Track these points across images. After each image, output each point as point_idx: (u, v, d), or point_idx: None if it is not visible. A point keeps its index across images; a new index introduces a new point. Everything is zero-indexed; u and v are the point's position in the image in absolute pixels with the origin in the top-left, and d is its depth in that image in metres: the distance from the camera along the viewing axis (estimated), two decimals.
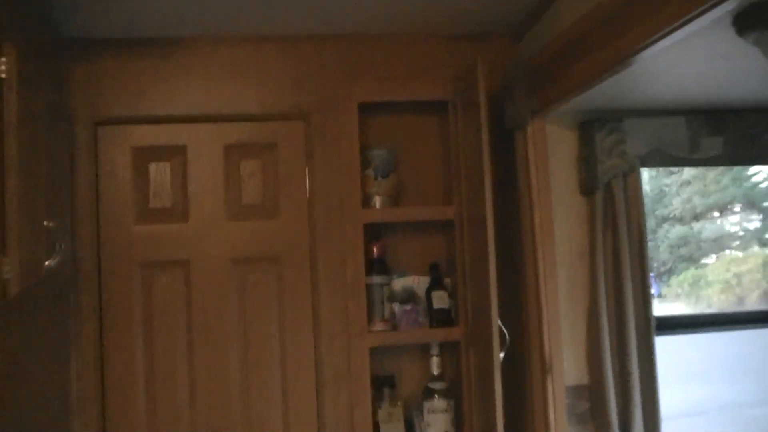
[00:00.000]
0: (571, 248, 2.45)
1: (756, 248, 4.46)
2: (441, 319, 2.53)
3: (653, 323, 2.34)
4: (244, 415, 2.47)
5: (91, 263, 2.41)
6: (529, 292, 2.41)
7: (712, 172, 4.42)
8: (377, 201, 2.55)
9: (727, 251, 4.55)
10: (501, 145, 2.48)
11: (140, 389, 2.43)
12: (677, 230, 4.51)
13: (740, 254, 4.48)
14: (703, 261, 4.54)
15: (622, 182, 2.37)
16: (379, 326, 2.50)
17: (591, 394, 2.38)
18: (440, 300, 2.54)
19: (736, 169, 4.40)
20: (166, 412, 2.44)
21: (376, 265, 2.53)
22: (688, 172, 4.40)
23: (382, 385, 2.53)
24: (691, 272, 4.48)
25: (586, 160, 2.42)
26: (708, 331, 2.95)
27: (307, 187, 2.54)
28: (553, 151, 2.43)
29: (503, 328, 2.23)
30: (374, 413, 2.47)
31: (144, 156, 2.50)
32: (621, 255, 2.34)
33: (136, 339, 2.44)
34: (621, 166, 2.36)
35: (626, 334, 2.31)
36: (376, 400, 2.50)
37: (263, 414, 2.47)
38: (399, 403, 2.52)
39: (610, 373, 2.32)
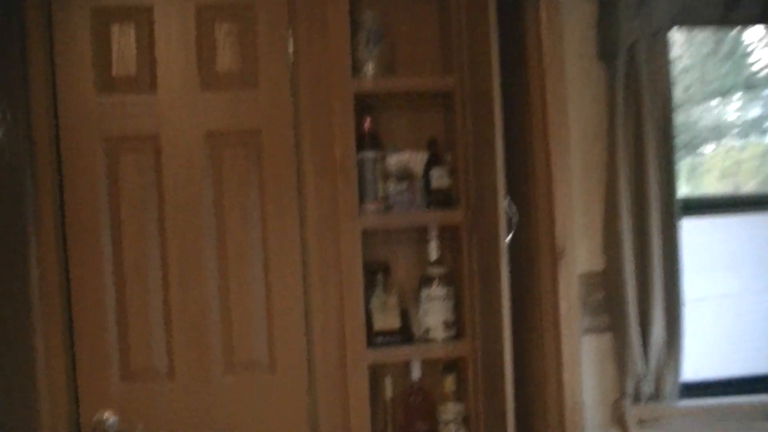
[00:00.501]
0: (587, 121, 2.20)
1: (755, 137, 4.33)
2: (440, 199, 2.32)
3: (677, 204, 2.12)
4: (223, 309, 2.27)
5: (48, 138, 2.16)
6: (538, 170, 2.18)
7: (713, 59, 4.22)
8: (369, 69, 2.29)
9: (726, 139, 4.42)
10: (506, 7, 2.21)
11: (108, 278, 2.22)
12: (676, 118, 4.36)
13: (738, 143, 4.35)
14: (702, 149, 4.41)
15: (646, 47, 2.10)
16: (371, 207, 2.28)
17: (606, 281, 2.19)
18: (439, 178, 2.31)
19: (739, 54, 4.21)
20: (137, 303, 2.24)
21: (368, 140, 2.29)
22: (687, 59, 4.20)
23: (375, 272, 2.34)
24: (690, 160, 4.36)
25: (607, 21, 2.14)
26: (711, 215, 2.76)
27: (291, 52, 2.27)
28: (568, 12, 2.16)
29: (510, 210, 2.03)
30: (366, 302, 2.28)
31: (105, 17, 2.23)
32: (644, 129, 2.09)
33: (101, 223, 2.22)
34: (646, 27, 2.09)
35: (647, 216, 2.09)
36: (369, 288, 2.31)
37: (244, 307, 2.27)
38: (393, 291, 2.35)
39: (628, 258, 2.11)
